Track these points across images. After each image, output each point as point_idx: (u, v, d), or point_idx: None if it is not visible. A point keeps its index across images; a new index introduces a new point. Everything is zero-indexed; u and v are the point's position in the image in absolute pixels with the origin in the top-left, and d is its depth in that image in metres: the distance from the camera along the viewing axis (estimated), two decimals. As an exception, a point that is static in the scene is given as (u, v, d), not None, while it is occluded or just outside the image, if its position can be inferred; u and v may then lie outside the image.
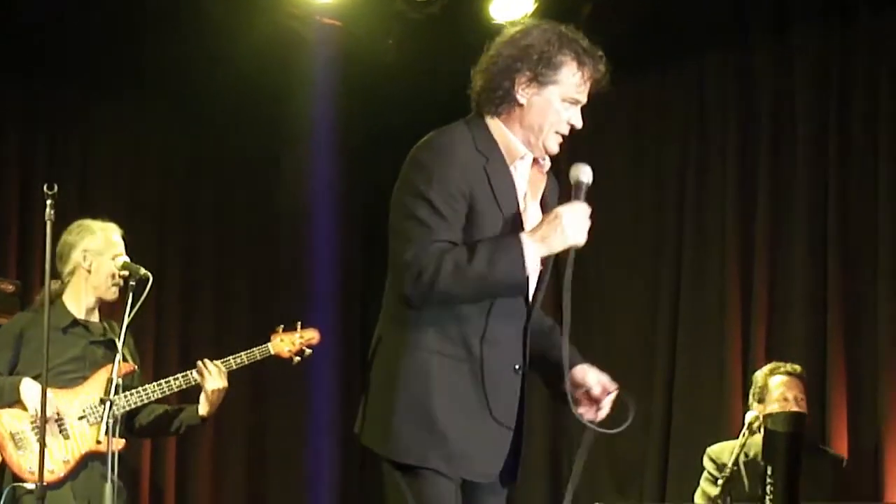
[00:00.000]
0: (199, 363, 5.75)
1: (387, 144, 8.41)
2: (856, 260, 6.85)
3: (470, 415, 3.58)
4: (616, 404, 3.79)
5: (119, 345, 5.25)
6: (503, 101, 3.71)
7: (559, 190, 3.87)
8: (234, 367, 5.81)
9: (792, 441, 5.78)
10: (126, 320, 5.22)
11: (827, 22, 7.08)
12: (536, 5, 7.09)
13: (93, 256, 5.70)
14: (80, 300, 5.71)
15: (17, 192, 7.56)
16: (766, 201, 7.18)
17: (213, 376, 5.72)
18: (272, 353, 5.88)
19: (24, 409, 5.47)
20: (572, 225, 3.58)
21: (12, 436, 5.50)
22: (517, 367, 3.68)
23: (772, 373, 6.30)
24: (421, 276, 3.49)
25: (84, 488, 5.54)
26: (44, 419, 5.06)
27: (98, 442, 5.41)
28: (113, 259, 5.67)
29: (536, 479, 7.81)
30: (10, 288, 6.65)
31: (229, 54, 7.38)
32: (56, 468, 5.47)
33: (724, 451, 6.30)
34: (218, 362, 5.76)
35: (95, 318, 5.77)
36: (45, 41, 7.47)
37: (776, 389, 6.25)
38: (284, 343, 5.91)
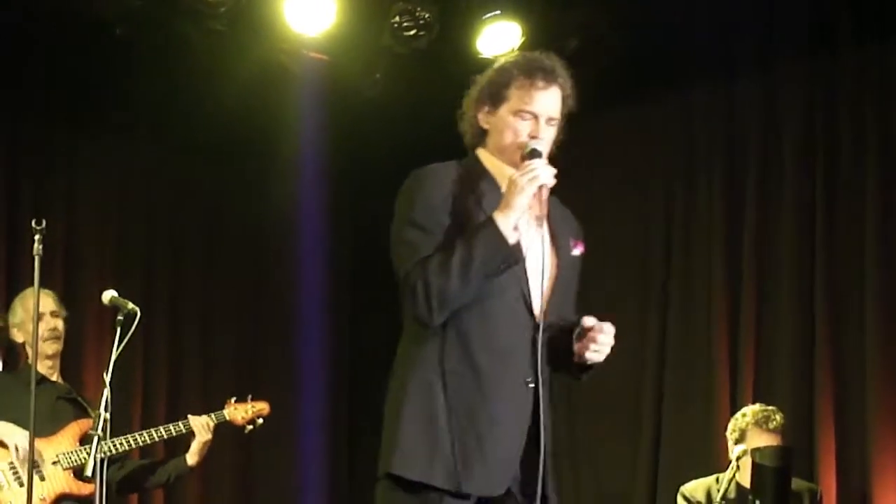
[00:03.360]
0: (192, 417, 6.11)
1: (374, 178, 8.44)
2: (843, 299, 6.84)
3: (475, 429, 3.62)
4: None
5: (107, 379, 5.26)
6: (476, 133, 3.85)
7: (578, 231, 3.97)
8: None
9: (780, 475, 5.79)
10: (114, 354, 5.24)
11: (812, 55, 7.11)
12: (523, 39, 7.12)
13: (20, 328, 6.06)
14: (37, 364, 5.87)
15: (4, 227, 7.55)
16: (753, 239, 7.19)
17: (206, 429, 6.10)
18: (227, 419, 6.24)
19: (4, 448, 5.73)
20: (524, 177, 3.64)
21: (-8, 473, 5.74)
22: (528, 380, 3.70)
23: (755, 423, 6.25)
24: (416, 289, 3.59)
25: (59, 527, 5.88)
26: (31, 451, 5.20)
27: (87, 478, 5.48)
28: (38, 320, 5.86)
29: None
30: (-1, 322, 6.68)
31: (217, 89, 7.38)
32: None
33: (697, 489, 6.36)
34: (207, 417, 6.13)
35: (57, 377, 6.11)
36: (32, 76, 7.48)
37: (752, 444, 6.19)
38: (238, 412, 6.28)
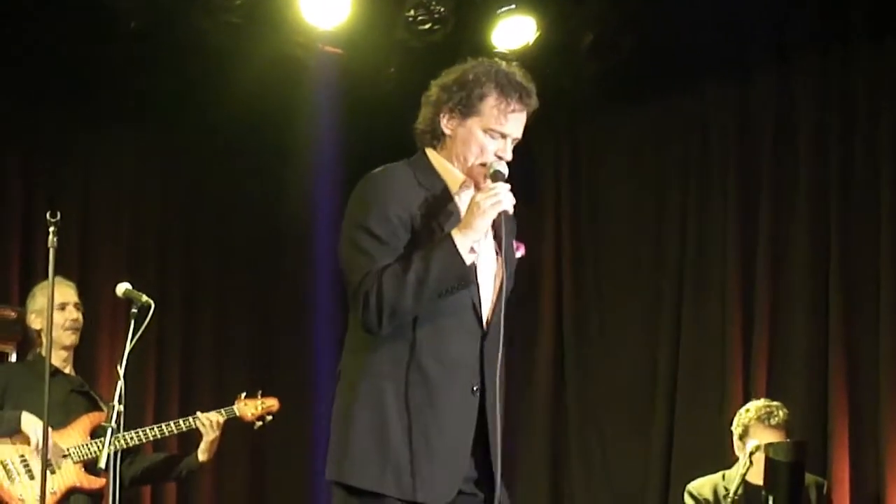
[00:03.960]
0: (200, 414, 6.11)
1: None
2: (858, 298, 6.82)
3: (424, 438, 3.64)
4: None
5: (121, 372, 5.27)
6: (434, 135, 3.83)
7: (516, 230, 3.96)
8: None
9: (793, 470, 5.78)
10: (128, 347, 5.26)
11: (827, 51, 7.09)
12: (538, 34, 7.11)
13: (39, 316, 6.04)
14: (52, 354, 5.86)
15: (19, 220, 7.59)
16: (767, 237, 7.17)
17: (213, 427, 6.09)
18: (237, 414, 6.22)
19: (18, 441, 5.77)
20: (486, 200, 3.66)
21: (3, 465, 5.77)
22: (475, 387, 3.72)
23: (758, 419, 6.23)
24: (368, 299, 3.61)
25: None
26: (45, 444, 5.23)
27: (99, 471, 5.51)
28: (60, 310, 5.95)
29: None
30: (13, 315, 6.71)
31: (232, 82, 7.39)
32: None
33: (704, 487, 6.36)
34: (217, 413, 6.14)
35: (70, 370, 6.12)
36: (48, 69, 7.49)
37: (756, 439, 6.17)
38: (248, 408, 6.25)
